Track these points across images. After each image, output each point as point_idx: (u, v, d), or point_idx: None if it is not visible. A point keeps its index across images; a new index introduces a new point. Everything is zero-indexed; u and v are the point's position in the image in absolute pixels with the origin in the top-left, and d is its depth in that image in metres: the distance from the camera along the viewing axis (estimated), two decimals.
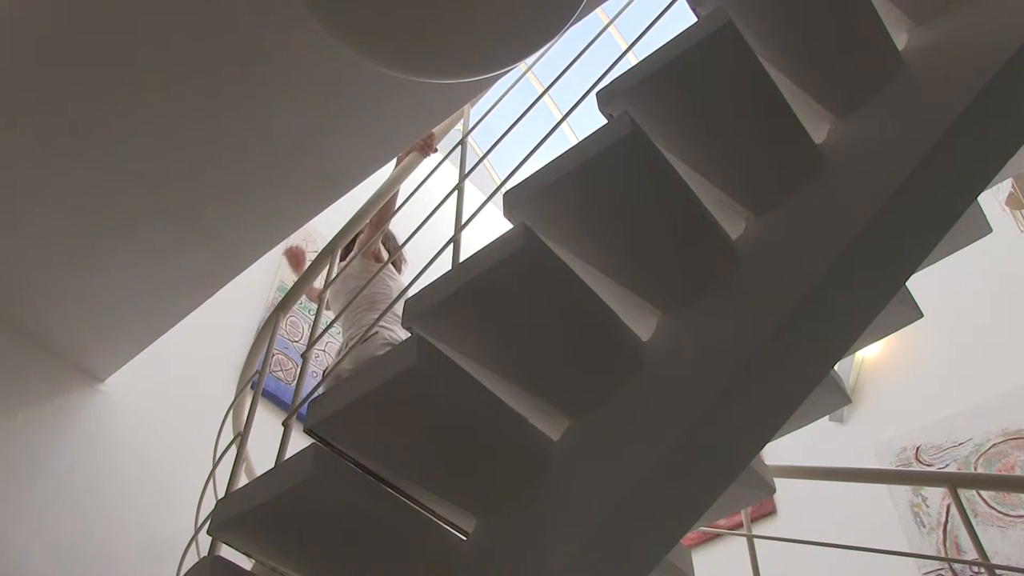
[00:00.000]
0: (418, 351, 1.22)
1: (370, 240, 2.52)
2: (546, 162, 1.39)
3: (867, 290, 1.38)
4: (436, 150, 2.59)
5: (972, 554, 3.19)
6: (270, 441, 2.77)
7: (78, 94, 2.15)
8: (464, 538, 1.37)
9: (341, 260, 2.76)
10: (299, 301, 2.91)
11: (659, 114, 1.42)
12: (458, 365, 1.30)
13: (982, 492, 3.41)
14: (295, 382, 2.29)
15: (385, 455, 1.33)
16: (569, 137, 5.06)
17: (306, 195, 2.51)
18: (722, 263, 1.40)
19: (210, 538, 1.43)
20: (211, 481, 2.16)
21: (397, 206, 2.00)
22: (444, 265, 1.46)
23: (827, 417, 3.29)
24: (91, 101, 2.17)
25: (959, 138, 1.34)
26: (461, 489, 1.35)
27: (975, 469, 3.50)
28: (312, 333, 1.98)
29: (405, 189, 2.21)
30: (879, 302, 1.41)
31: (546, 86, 1.80)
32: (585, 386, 1.37)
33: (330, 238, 2.39)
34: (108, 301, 2.74)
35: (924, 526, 3.52)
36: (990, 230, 1.80)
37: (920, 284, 1.77)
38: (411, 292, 1.41)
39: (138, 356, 2.98)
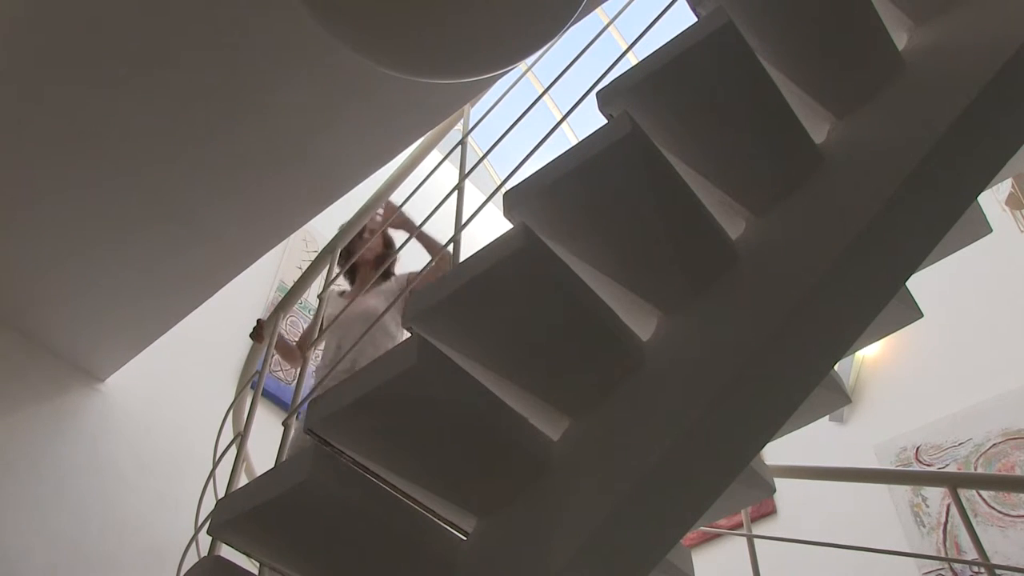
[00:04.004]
0: (418, 351, 1.22)
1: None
2: (546, 162, 1.38)
3: (867, 290, 1.37)
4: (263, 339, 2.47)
5: (972, 554, 3.19)
6: (270, 441, 2.77)
7: (78, 95, 2.15)
8: (464, 538, 1.37)
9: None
10: (299, 301, 2.90)
11: (659, 114, 1.42)
12: (458, 365, 1.30)
13: (982, 492, 3.41)
14: (295, 382, 2.29)
15: (385, 455, 1.33)
16: (569, 137, 5.06)
17: (306, 195, 2.51)
18: (722, 263, 1.39)
19: (210, 538, 1.43)
20: (211, 481, 2.16)
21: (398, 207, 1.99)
22: None
23: (827, 417, 3.29)
24: (91, 102, 2.17)
25: (959, 138, 1.33)
26: (460, 489, 1.35)
27: (975, 469, 3.50)
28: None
29: (405, 189, 2.20)
30: (879, 302, 1.41)
31: (546, 86, 1.80)
32: (585, 386, 1.37)
33: (330, 238, 2.39)
34: (108, 301, 2.74)
35: (924, 526, 3.52)
36: (990, 230, 1.80)
37: (920, 284, 1.77)
38: None
39: (138, 356, 2.98)
